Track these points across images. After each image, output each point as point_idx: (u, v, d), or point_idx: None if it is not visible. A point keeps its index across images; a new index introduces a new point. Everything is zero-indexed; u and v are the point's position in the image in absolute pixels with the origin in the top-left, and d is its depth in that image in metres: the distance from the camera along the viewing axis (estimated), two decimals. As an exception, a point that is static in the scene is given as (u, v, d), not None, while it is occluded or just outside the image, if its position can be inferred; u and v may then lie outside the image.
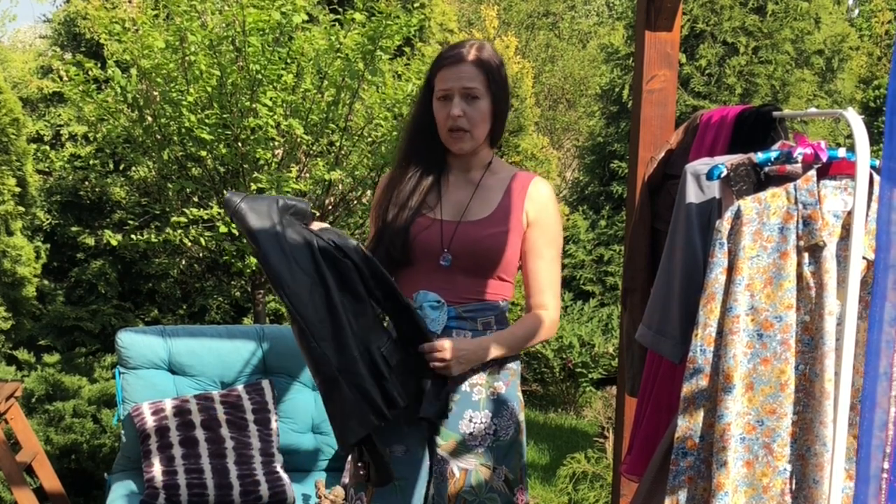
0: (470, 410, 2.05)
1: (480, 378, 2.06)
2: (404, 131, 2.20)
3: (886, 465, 1.48)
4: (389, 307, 1.95)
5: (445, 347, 1.95)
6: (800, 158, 1.92)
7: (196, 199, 4.35)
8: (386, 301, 1.94)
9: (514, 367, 2.12)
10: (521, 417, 2.13)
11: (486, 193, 2.08)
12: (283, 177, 3.92)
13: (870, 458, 1.36)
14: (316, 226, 1.93)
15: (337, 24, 4.22)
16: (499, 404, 2.08)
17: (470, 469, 2.06)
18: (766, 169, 2.00)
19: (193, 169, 4.27)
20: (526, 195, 2.08)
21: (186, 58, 3.85)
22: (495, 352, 2.03)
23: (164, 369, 3.19)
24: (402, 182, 2.09)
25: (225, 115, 3.90)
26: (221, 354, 3.21)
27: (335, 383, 1.85)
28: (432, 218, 2.06)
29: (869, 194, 1.88)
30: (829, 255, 1.89)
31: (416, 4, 6.15)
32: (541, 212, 2.09)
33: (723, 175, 1.97)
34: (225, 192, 4.14)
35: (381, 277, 1.91)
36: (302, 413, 3.24)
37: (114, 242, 4.41)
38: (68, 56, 5.40)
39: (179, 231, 4.25)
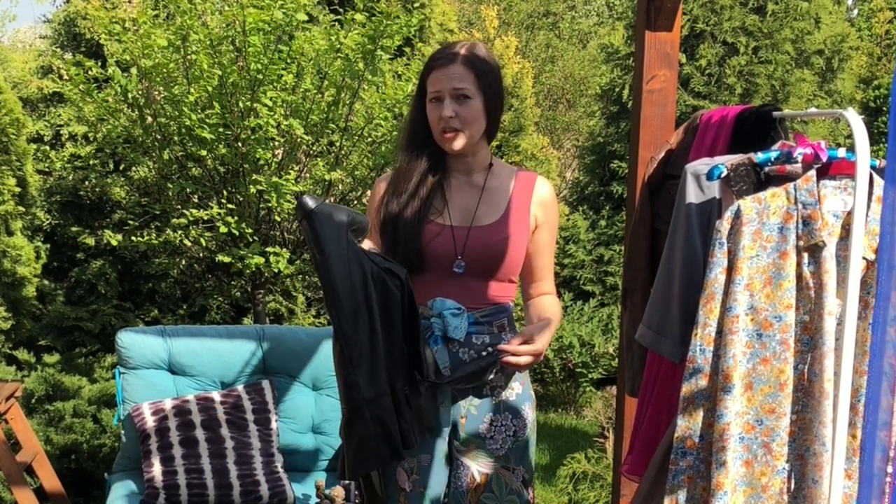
0: (490, 414, 2.07)
1: (499, 381, 2.07)
2: (401, 135, 2.16)
3: (890, 469, 1.48)
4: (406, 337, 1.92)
5: (538, 348, 1.95)
6: (800, 158, 1.92)
7: (196, 200, 4.35)
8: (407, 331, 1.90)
9: None
10: (534, 416, 2.15)
11: (492, 196, 2.08)
12: (282, 178, 3.91)
13: (873, 458, 1.37)
14: (366, 244, 1.87)
15: (337, 24, 4.22)
16: (516, 405, 2.09)
17: (491, 473, 2.07)
18: (766, 169, 2.00)
19: (193, 169, 4.27)
20: (532, 197, 2.09)
21: (187, 57, 3.85)
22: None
23: (164, 369, 3.19)
24: (402, 187, 2.05)
25: (225, 115, 3.90)
26: (221, 354, 3.21)
27: (359, 413, 1.81)
28: (442, 224, 2.04)
29: (869, 194, 1.88)
30: (829, 255, 1.89)
31: (416, 4, 6.14)
32: (547, 213, 2.11)
33: (723, 175, 1.97)
34: (225, 191, 4.16)
35: (414, 308, 1.86)
36: (302, 413, 3.23)
37: (114, 242, 4.41)
38: (68, 56, 5.40)
39: (180, 232, 4.25)
